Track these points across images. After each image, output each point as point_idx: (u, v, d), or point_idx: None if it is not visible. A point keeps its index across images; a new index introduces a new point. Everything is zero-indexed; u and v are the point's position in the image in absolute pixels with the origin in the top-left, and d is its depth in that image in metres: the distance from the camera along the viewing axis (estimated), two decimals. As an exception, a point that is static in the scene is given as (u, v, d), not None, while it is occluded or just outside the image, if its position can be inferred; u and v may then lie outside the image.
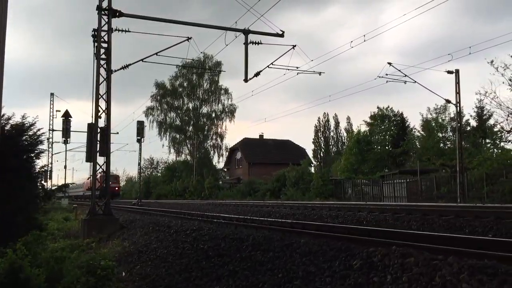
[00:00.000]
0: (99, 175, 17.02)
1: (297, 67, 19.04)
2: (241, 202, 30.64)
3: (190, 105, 62.25)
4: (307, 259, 6.29)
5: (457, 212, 12.31)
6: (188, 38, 17.73)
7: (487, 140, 38.27)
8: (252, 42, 17.82)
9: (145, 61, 19.03)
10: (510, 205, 16.25)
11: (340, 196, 35.66)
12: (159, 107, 61.87)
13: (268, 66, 18.68)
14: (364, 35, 17.36)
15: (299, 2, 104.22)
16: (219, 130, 61.06)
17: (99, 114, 16.53)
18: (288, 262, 6.38)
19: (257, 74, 18.45)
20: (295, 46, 17.92)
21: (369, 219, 13.44)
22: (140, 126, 35.00)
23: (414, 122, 66.99)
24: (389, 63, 22.76)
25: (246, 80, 18.15)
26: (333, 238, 7.22)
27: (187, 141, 59.59)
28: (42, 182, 18.66)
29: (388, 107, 46.83)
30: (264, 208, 20.91)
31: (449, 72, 25.63)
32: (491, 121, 36.33)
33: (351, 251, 5.99)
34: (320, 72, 19.55)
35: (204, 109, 61.99)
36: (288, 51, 18.00)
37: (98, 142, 16.34)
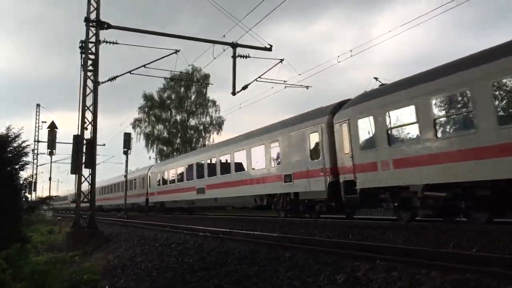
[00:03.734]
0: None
1: (284, 81, 19.17)
2: (229, 215, 30.42)
3: (178, 117, 62.03)
4: (292, 273, 6.29)
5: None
6: (176, 51, 17.77)
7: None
8: (240, 56, 17.90)
9: (132, 73, 19.00)
10: None
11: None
12: (146, 119, 61.54)
13: (256, 79, 18.77)
14: (351, 50, 17.52)
15: (288, 16, 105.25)
16: (206, 143, 60.87)
17: (85, 125, 16.43)
18: (274, 276, 6.37)
19: (245, 87, 18.51)
20: (282, 60, 18.06)
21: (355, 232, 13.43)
22: (127, 138, 34.73)
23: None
24: (375, 78, 22.92)
25: (234, 93, 18.20)
26: (319, 252, 7.22)
27: (175, 153, 59.29)
28: (26, 194, 18.39)
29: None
30: (252, 223, 20.78)
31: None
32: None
33: (336, 265, 6.01)
34: (308, 86, 19.72)
35: (192, 122, 61.84)
36: (276, 64, 18.13)
37: (84, 154, 16.22)
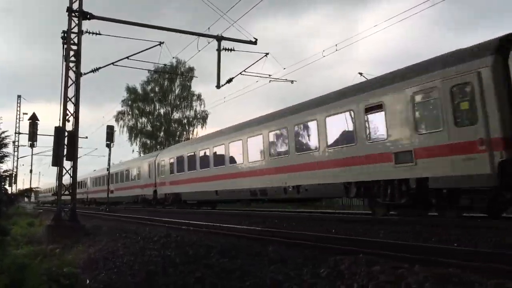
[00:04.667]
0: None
1: (269, 75, 19.16)
2: (211, 209, 30.40)
3: (162, 111, 61.71)
4: (275, 267, 6.26)
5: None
6: (161, 43, 17.59)
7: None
8: (225, 49, 17.81)
9: (116, 65, 18.77)
10: None
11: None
12: (130, 112, 61.12)
13: (240, 73, 18.70)
14: (336, 45, 17.49)
15: (273, 10, 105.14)
16: (190, 136, 60.59)
17: (67, 117, 16.18)
18: (256, 270, 6.33)
19: (229, 80, 18.43)
20: (267, 54, 18.02)
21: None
22: (110, 131, 34.35)
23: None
24: (360, 73, 23.06)
25: (218, 86, 18.10)
26: (302, 246, 7.22)
27: (158, 146, 58.91)
28: (6, 186, 18.07)
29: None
30: (235, 217, 20.77)
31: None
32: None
33: (319, 259, 6.00)
34: (292, 81, 19.73)
35: (176, 115, 61.56)
36: (261, 58, 18.09)
37: (65, 146, 15.97)
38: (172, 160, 29.50)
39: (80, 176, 42.50)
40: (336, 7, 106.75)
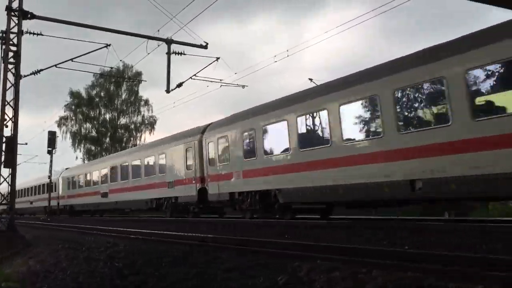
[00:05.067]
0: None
1: (220, 79, 18.94)
2: (162, 217, 29.66)
3: (108, 116, 59.94)
4: (230, 275, 6.04)
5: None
6: (107, 45, 17.01)
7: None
8: (175, 53, 17.44)
9: (59, 67, 17.97)
10: None
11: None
12: (73, 117, 58.88)
13: (191, 77, 18.39)
14: (287, 50, 17.55)
15: (222, 16, 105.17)
16: (137, 142, 59.19)
17: (5, 122, 15.31)
18: (211, 279, 6.09)
19: (179, 85, 18.06)
20: (218, 58, 17.80)
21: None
22: (52, 137, 32.99)
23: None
24: (310, 79, 23.33)
25: (168, 91, 17.69)
26: (257, 253, 7.04)
27: (104, 153, 57.14)
28: None
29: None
30: (183, 224, 20.34)
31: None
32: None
33: (277, 266, 5.84)
34: (243, 86, 19.62)
35: (123, 120, 59.97)
36: (212, 63, 17.85)
37: (3, 153, 15.08)
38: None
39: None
40: (283, 16, 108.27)
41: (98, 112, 59.69)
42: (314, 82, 22.86)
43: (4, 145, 15.12)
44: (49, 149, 32.58)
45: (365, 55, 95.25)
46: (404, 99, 11.78)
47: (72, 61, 17.45)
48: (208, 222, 19.35)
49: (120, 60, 18.61)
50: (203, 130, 19.74)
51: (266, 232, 13.64)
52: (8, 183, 15.43)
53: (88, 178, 33.84)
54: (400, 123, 11.53)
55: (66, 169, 40.62)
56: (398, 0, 12.97)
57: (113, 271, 8.03)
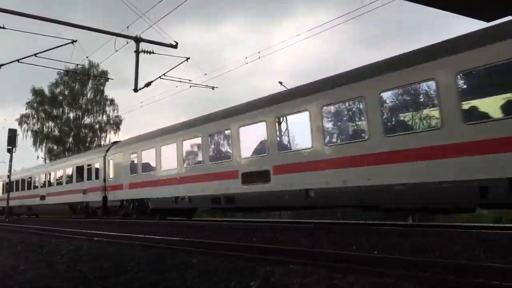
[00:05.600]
0: None
1: (190, 80, 18.66)
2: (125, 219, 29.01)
3: (71, 115, 58.44)
4: (201, 279, 5.86)
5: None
6: (73, 41, 16.48)
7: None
8: (144, 51, 17.04)
9: (21, 62, 17.29)
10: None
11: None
12: (35, 115, 57.13)
13: (159, 77, 18.04)
14: (259, 52, 17.52)
15: (191, 17, 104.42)
16: (102, 143, 57.91)
17: (-38, 117, 14.61)
18: (181, 284, 5.89)
19: (148, 84, 17.67)
20: (188, 58, 17.53)
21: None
22: (13, 135, 31.77)
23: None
24: (280, 82, 23.45)
25: (136, 90, 17.25)
26: (228, 257, 6.87)
27: (66, 153, 55.63)
28: None
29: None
30: (147, 226, 19.93)
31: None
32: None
33: (248, 270, 5.70)
34: (213, 87, 19.42)
35: (87, 120, 58.58)
36: (182, 63, 17.54)
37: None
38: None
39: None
40: (252, 20, 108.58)
41: (61, 110, 58.20)
42: (284, 86, 22.91)
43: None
44: (9, 147, 31.37)
45: (337, 58, 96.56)
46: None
47: (36, 56, 16.83)
48: (174, 225, 19.03)
49: (87, 57, 18.04)
50: (107, 149, 25.26)
51: (232, 234, 13.51)
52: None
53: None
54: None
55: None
56: (367, 7, 13.15)
57: (76, 275, 7.72)
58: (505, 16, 8.02)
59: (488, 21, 8.26)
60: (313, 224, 14.51)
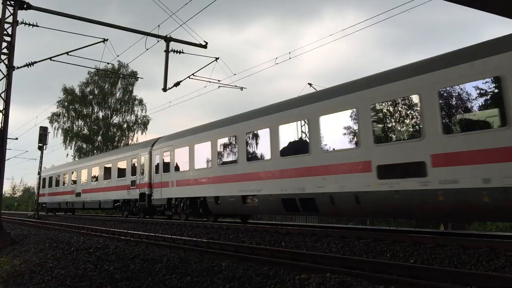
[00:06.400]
0: None
1: (219, 80, 18.48)
2: (150, 219, 29.05)
3: (100, 114, 59.21)
4: (230, 286, 5.60)
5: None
6: (104, 40, 16.53)
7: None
8: (174, 51, 16.98)
9: (53, 60, 17.42)
10: None
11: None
12: (66, 114, 58.07)
13: (189, 76, 17.91)
14: (289, 52, 17.19)
15: (218, 19, 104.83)
16: (130, 142, 58.52)
17: (-5, 115, 14.76)
18: None
19: (177, 84, 17.58)
20: (218, 58, 17.35)
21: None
22: (43, 133, 32.23)
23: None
24: (309, 84, 23.01)
25: (165, 89, 17.19)
26: (258, 261, 6.59)
27: (95, 151, 56.39)
28: None
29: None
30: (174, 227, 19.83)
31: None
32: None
33: (280, 277, 5.41)
34: (242, 87, 19.20)
35: (116, 119, 59.27)
36: (211, 63, 17.38)
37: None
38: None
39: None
40: (279, 22, 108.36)
41: (91, 109, 59.00)
42: (313, 87, 22.53)
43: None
44: (40, 145, 31.84)
45: (360, 63, 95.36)
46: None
47: (68, 54, 16.94)
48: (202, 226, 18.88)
49: (117, 55, 18.00)
50: (153, 143, 23.16)
51: (264, 237, 13.25)
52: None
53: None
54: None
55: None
56: (393, 11, 12.67)
57: (103, 275, 7.57)
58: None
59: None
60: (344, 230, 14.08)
